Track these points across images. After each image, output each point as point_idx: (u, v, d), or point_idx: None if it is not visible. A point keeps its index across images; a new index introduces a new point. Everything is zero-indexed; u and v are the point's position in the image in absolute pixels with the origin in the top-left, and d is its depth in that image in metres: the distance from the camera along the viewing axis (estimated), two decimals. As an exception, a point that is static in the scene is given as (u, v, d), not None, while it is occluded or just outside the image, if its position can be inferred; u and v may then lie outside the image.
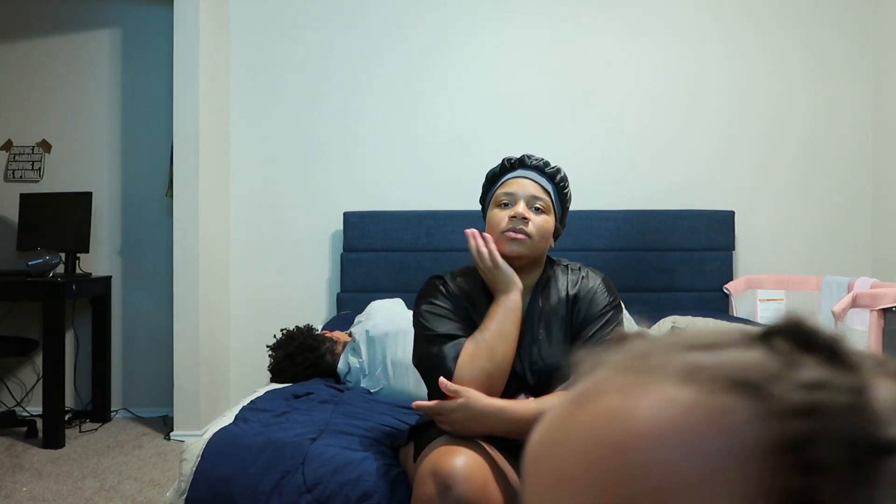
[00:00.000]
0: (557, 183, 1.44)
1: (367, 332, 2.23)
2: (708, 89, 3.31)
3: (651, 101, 3.31)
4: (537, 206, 1.39)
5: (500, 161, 1.48)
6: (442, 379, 1.27)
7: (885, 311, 2.09)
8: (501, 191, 1.42)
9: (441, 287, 1.44)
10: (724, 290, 3.15)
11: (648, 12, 3.31)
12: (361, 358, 2.19)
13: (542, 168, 1.43)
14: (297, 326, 2.34)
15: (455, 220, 3.13)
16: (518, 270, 1.39)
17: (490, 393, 1.27)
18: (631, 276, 3.14)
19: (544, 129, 3.30)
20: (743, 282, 3.11)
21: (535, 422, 1.19)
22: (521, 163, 1.44)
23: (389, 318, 2.27)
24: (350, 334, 2.35)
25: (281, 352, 2.23)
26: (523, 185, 1.40)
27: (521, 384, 1.37)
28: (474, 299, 1.43)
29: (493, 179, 1.47)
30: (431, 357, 1.33)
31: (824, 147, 3.31)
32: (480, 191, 1.52)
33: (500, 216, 1.39)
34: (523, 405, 1.25)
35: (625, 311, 2.73)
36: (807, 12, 3.30)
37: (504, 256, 1.38)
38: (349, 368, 2.21)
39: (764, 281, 3.05)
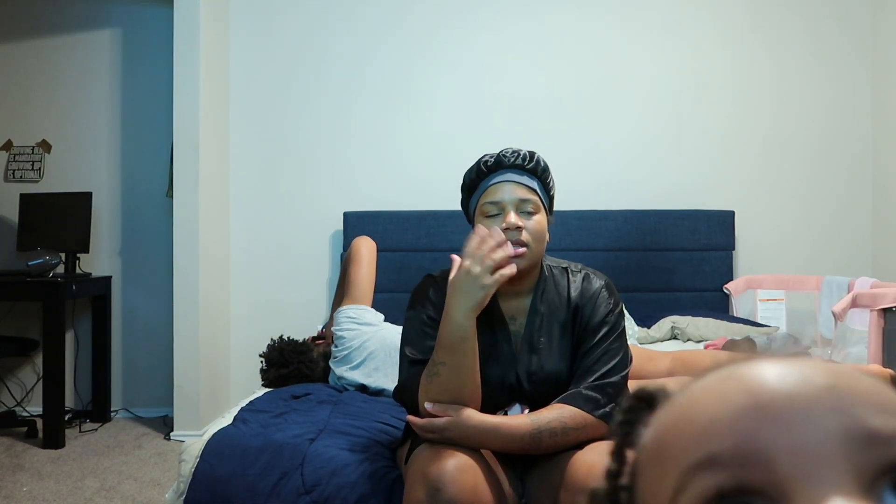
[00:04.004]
0: (540, 176, 1.37)
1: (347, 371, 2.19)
2: (708, 89, 3.31)
3: (651, 101, 3.31)
4: (527, 209, 1.32)
5: (475, 162, 1.39)
6: (411, 417, 1.26)
7: (885, 311, 2.08)
8: (485, 199, 1.34)
9: (431, 290, 1.38)
10: (725, 290, 3.15)
11: (649, 12, 3.31)
12: (349, 376, 2.18)
13: (522, 166, 1.35)
14: (291, 341, 2.31)
15: (455, 220, 3.13)
16: (516, 277, 1.36)
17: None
18: (631, 276, 3.14)
19: (544, 128, 3.30)
20: (743, 282, 3.10)
21: (529, 438, 1.20)
22: (498, 164, 1.35)
23: (360, 351, 2.22)
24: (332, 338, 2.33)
25: (274, 370, 2.22)
26: (508, 189, 1.32)
27: (515, 394, 1.35)
28: None
29: (473, 185, 1.39)
30: (404, 385, 1.32)
31: (825, 147, 3.31)
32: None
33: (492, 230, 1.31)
34: (517, 422, 1.22)
35: (625, 313, 2.74)
36: (808, 14, 3.30)
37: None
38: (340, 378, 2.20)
39: (764, 281, 3.04)
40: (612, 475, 0.38)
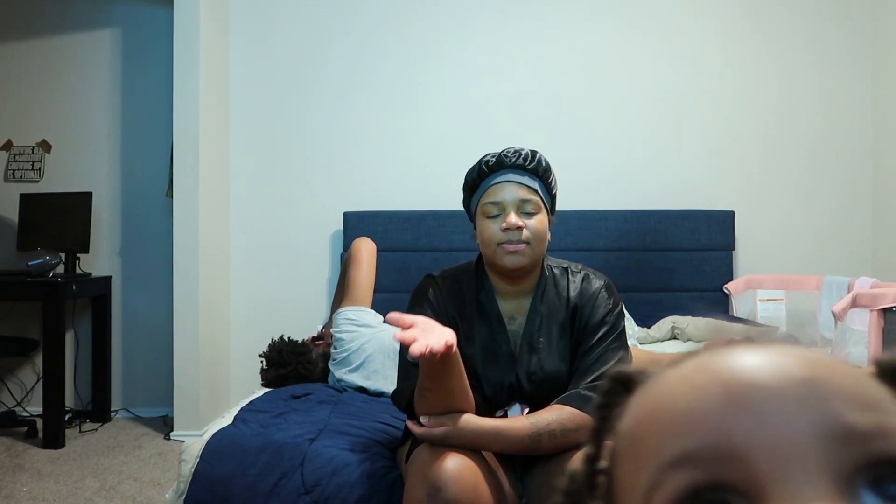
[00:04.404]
0: (541, 176, 1.37)
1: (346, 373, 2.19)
2: (708, 89, 3.31)
3: (651, 100, 3.31)
4: (528, 209, 1.32)
5: (477, 162, 1.39)
6: (411, 423, 1.26)
7: (885, 311, 2.08)
8: (486, 199, 1.34)
9: (430, 291, 1.38)
10: (725, 290, 3.15)
11: (648, 11, 3.31)
12: (348, 377, 2.17)
13: (524, 166, 1.35)
14: (290, 341, 2.30)
15: (455, 220, 3.13)
16: (517, 276, 1.37)
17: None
18: (631, 276, 3.14)
19: (544, 128, 3.30)
20: (743, 282, 3.10)
21: (528, 441, 1.20)
22: (499, 164, 1.35)
23: (359, 353, 2.22)
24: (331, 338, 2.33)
25: (273, 370, 2.22)
26: (509, 189, 1.32)
27: (515, 393, 1.35)
28: (464, 298, 1.40)
29: (474, 185, 1.39)
30: (403, 390, 1.32)
31: (825, 147, 3.30)
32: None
33: (493, 229, 1.32)
34: (517, 424, 1.22)
35: (625, 313, 2.74)
36: (807, 12, 3.30)
37: (506, 269, 1.34)
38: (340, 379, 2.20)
39: (764, 281, 3.04)
40: (590, 459, 0.38)
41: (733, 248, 3.23)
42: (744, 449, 0.29)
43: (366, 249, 2.66)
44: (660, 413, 0.33)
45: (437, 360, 1.13)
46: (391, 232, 3.17)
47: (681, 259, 3.18)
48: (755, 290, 3.03)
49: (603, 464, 0.37)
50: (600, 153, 3.31)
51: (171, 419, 3.11)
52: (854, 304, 2.14)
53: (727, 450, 0.29)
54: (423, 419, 1.22)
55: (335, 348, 2.24)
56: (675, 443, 0.31)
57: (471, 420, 1.21)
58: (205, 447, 1.53)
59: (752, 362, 0.32)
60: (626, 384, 0.39)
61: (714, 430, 0.30)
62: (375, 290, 2.80)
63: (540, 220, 1.34)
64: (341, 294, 2.58)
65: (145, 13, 3.51)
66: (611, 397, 0.39)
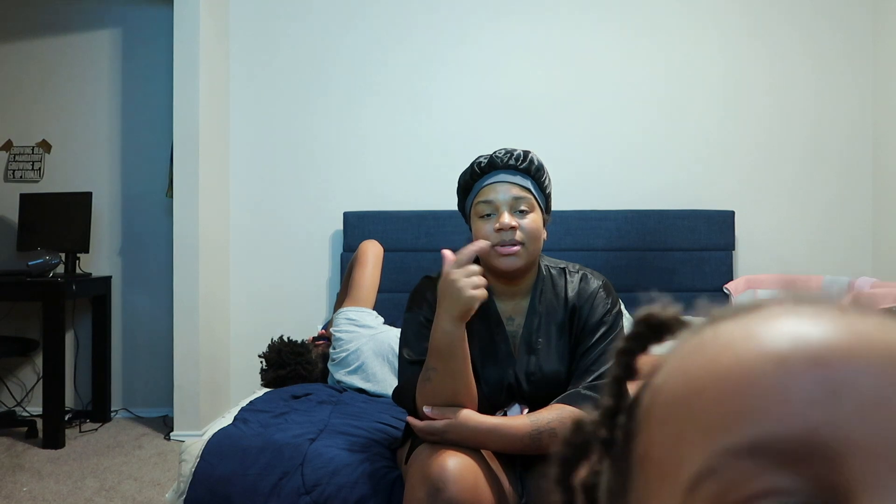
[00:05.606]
0: (534, 175, 1.37)
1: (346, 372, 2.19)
2: (707, 88, 3.31)
3: (651, 100, 3.31)
4: (521, 207, 1.32)
5: (469, 164, 1.40)
6: (411, 419, 1.26)
7: (885, 311, 2.08)
8: (479, 200, 1.35)
9: (428, 292, 1.38)
10: (725, 290, 3.15)
11: (648, 11, 3.31)
12: (347, 377, 2.17)
13: (515, 166, 1.36)
14: (290, 342, 2.30)
15: (455, 220, 3.13)
16: (514, 277, 1.37)
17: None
18: (631, 276, 3.14)
19: (544, 128, 3.30)
20: (743, 282, 3.11)
21: (529, 439, 1.21)
22: (491, 165, 1.37)
23: (356, 355, 2.21)
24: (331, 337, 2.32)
25: (272, 371, 2.22)
26: (501, 189, 1.33)
27: (514, 394, 1.35)
28: None
29: (468, 187, 1.40)
30: (403, 387, 1.32)
31: (824, 146, 3.31)
32: None
33: (486, 230, 1.32)
34: (516, 422, 1.23)
35: (625, 313, 2.74)
36: (806, 13, 3.30)
37: (501, 272, 1.34)
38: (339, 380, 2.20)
39: (764, 281, 3.04)
40: (608, 413, 0.32)
41: (733, 248, 3.23)
42: (838, 446, 0.24)
43: (372, 251, 2.66)
44: (725, 380, 0.26)
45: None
46: (391, 232, 3.17)
47: (681, 259, 3.18)
48: (755, 290, 3.03)
49: (621, 419, 0.32)
50: (600, 153, 3.31)
51: (171, 419, 3.11)
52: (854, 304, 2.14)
53: (817, 444, 0.24)
54: (425, 409, 1.23)
55: (334, 348, 2.24)
56: (747, 425, 0.25)
57: (472, 417, 1.22)
58: (205, 447, 1.53)
59: (850, 334, 0.26)
60: (656, 330, 0.33)
61: (801, 418, 0.24)
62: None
63: (533, 219, 1.34)
64: (344, 294, 2.58)
65: (145, 13, 3.51)
66: (636, 342, 0.33)
